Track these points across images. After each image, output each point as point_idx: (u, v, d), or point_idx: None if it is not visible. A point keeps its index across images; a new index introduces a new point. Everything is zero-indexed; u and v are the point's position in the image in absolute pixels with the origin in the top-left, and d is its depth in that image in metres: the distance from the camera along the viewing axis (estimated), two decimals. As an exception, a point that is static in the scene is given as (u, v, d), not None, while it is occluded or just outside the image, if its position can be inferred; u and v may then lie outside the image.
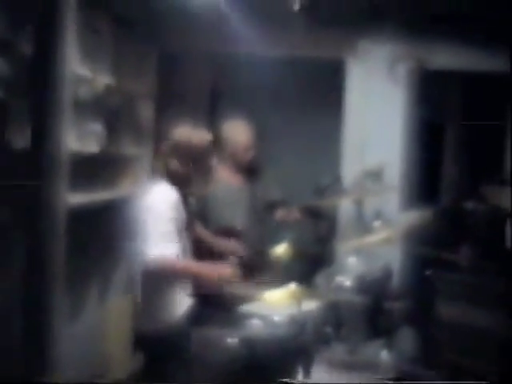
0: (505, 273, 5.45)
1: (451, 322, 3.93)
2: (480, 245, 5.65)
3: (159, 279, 4.89)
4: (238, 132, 6.22)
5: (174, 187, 5.02)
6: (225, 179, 6.10)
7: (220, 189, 5.97)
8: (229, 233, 5.89)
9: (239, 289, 5.34)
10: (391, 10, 6.29)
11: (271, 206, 6.37)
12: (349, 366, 4.60)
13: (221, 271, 5.00)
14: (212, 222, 5.88)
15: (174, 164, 5.09)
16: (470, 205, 5.68)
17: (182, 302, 4.99)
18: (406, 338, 5.19)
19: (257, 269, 5.73)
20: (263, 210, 6.33)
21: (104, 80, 5.51)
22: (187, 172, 5.11)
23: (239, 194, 6.23)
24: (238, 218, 6.08)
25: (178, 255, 4.84)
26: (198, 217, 5.64)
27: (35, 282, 3.99)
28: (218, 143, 5.95)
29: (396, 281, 6.16)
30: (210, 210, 5.94)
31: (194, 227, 5.45)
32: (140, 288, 5.04)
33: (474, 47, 6.81)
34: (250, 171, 6.33)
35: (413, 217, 5.87)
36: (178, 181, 5.06)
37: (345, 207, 6.70)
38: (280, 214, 6.30)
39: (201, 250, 5.39)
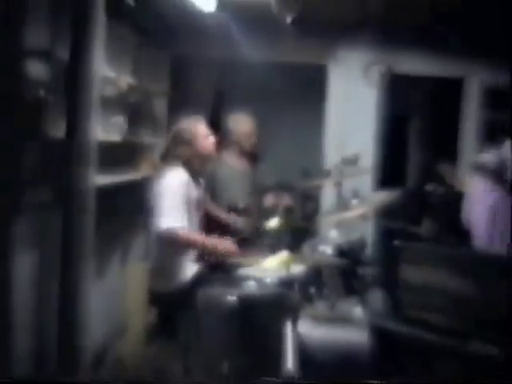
0: (459, 241, 5.51)
1: (414, 283, 3.96)
2: (439, 219, 5.68)
3: (170, 247, 4.96)
4: (240, 123, 6.24)
5: (184, 169, 5.12)
6: (231, 163, 6.20)
7: (226, 171, 6.11)
8: (232, 208, 5.95)
9: (239, 256, 5.43)
10: (366, 24, 6.32)
11: (266, 190, 6.42)
12: (329, 320, 4.66)
13: (225, 246, 5.04)
14: (219, 199, 5.93)
15: (181, 149, 5.21)
16: (430, 186, 5.71)
17: (189, 267, 5.05)
18: (377, 297, 5.24)
19: (254, 239, 5.80)
20: (260, 192, 6.37)
21: (126, 80, 5.52)
22: (194, 154, 5.21)
23: (242, 177, 6.26)
24: (240, 196, 6.11)
25: (187, 227, 4.90)
26: (207, 194, 5.72)
27: (70, 251, 4.02)
28: (224, 133, 6.03)
29: (369, 249, 6.21)
30: (218, 189, 5.99)
31: (204, 202, 5.51)
32: (155, 254, 5.14)
33: (433, 56, 6.88)
34: (252, 156, 6.39)
35: (384, 196, 5.87)
36: (187, 163, 5.16)
37: (327, 189, 6.73)
38: (272, 198, 6.33)
39: (209, 222, 5.45)
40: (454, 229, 5.53)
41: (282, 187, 6.42)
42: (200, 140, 5.18)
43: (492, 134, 6.20)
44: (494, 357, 3.54)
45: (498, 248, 5.00)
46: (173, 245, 4.94)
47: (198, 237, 5.07)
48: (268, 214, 5.90)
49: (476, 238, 5.18)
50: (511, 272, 3.74)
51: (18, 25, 3.88)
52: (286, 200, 6.21)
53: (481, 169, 4.81)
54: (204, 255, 5.25)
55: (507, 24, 5.64)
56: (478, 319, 3.70)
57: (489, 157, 5.14)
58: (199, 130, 5.20)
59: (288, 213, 6.05)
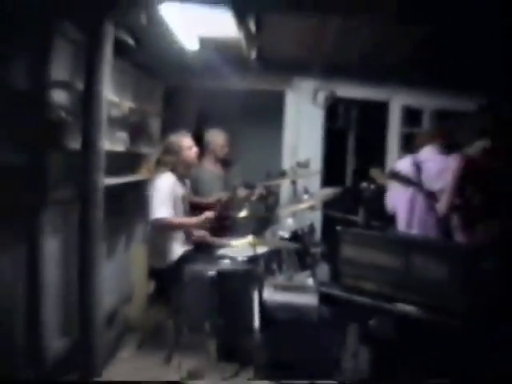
0: (384, 226, 5.54)
1: (351, 259, 3.93)
2: (370, 209, 5.69)
3: (163, 233, 5.03)
4: (216, 136, 6.20)
5: (172, 174, 5.15)
6: (209, 168, 6.16)
7: (206, 174, 6.07)
8: (248, 186, 6.03)
9: (216, 239, 5.47)
10: (314, 60, 6.31)
11: (236, 187, 6.41)
12: (286, 288, 4.68)
13: (198, 220, 5.10)
14: (200, 194, 5.88)
15: (170, 158, 5.22)
16: (363, 184, 5.69)
17: (178, 249, 5.07)
18: (323, 270, 5.27)
19: (227, 226, 5.85)
20: (232, 189, 6.37)
21: (128, 104, 5.49)
22: (180, 162, 5.21)
23: (218, 178, 6.22)
24: (216, 192, 6.03)
25: (173, 216, 4.95)
26: (192, 191, 5.72)
27: (86, 236, 4.03)
28: (204, 144, 6.06)
29: (317, 233, 6.25)
30: (199, 188, 5.93)
31: (189, 197, 5.52)
32: (151, 238, 5.16)
33: (364, 83, 6.84)
34: (225, 162, 6.35)
35: (328, 192, 5.83)
36: (174, 169, 5.17)
37: (285, 186, 6.72)
38: (242, 192, 6.33)
39: (193, 211, 5.46)
40: (381, 216, 5.54)
41: (248, 185, 6.44)
42: (185, 151, 5.21)
43: (409, 144, 6.25)
44: (415, 314, 3.55)
45: (416, 230, 5.02)
46: (164, 230, 5.01)
47: (180, 220, 5.11)
48: (240, 204, 5.94)
49: (398, 223, 5.20)
50: (426, 248, 3.78)
51: (47, 63, 3.90)
52: (260, 189, 6.16)
53: (395, 176, 4.82)
54: (190, 239, 5.31)
55: (420, 61, 5.75)
56: (400, 286, 3.69)
57: (406, 161, 5.16)
58: (185, 143, 5.22)
59: (261, 199, 6.11)
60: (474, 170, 4.20)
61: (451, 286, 3.49)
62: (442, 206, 4.34)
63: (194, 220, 5.19)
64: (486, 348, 3.67)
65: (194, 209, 5.51)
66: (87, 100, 3.99)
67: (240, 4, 3.92)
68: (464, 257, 3.68)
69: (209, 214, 5.12)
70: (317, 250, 5.26)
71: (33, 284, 3.82)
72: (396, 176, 4.68)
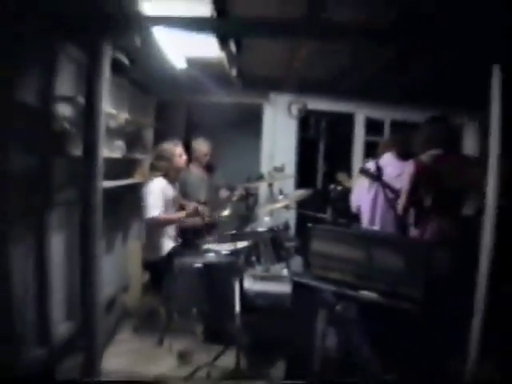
0: (349, 223, 5.56)
1: (321, 252, 3.93)
2: (337, 208, 5.70)
3: (155, 230, 5.04)
4: (201, 145, 6.24)
5: (163, 178, 5.17)
6: (195, 172, 6.18)
7: (193, 178, 6.09)
8: (197, 202, 5.96)
9: (202, 235, 5.48)
10: (288, 77, 6.31)
11: (219, 188, 6.43)
12: (264, 278, 4.71)
13: (187, 211, 5.16)
14: (188, 196, 5.87)
15: (162, 164, 5.23)
16: (331, 186, 5.69)
17: (168, 244, 5.10)
18: (297, 261, 5.21)
19: (212, 224, 5.82)
20: (215, 190, 6.39)
21: (124, 116, 5.48)
22: (170, 168, 5.23)
23: (203, 181, 6.24)
24: (201, 194, 6.08)
25: (163, 215, 4.95)
26: (180, 193, 5.72)
27: (87, 233, 4.02)
28: (191, 152, 6.08)
29: (291, 229, 6.11)
30: (187, 190, 5.94)
31: (178, 199, 5.51)
32: (145, 235, 5.17)
33: (333, 98, 6.92)
34: (208, 167, 6.37)
35: (300, 193, 5.82)
36: (165, 174, 5.19)
37: (263, 188, 6.72)
38: (224, 193, 6.34)
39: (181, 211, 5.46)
40: (347, 214, 5.56)
41: (231, 187, 6.44)
42: (176, 158, 5.23)
43: (372, 151, 6.29)
44: (376, 300, 3.56)
45: (377, 227, 5.04)
46: (156, 227, 5.01)
47: (169, 216, 5.10)
48: (223, 204, 5.94)
49: (362, 220, 5.23)
50: (385, 242, 3.81)
51: (53, 80, 3.92)
52: (240, 191, 6.16)
53: (364, 172, 4.85)
54: (179, 236, 5.33)
55: (382, 79, 5.80)
56: (363, 275, 3.66)
57: (369, 165, 5.17)
58: (176, 151, 5.23)
59: (242, 199, 6.10)
60: (427, 174, 4.22)
61: (407, 276, 3.52)
62: (399, 205, 4.37)
63: (181, 213, 5.20)
64: (438, 328, 3.76)
65: (182, 210, 5.54)
66: (88, 112, 3.91)
67: (222, 29, 3.94)
68: (418, 250, 3.69)
69: (194, 205, 5.19)
70: (291, 245, 5.23)
71: (41, 274, 3.82)
72: (366, 172, 4.72)
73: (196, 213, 5.21)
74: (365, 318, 3.63)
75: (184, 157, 5.36)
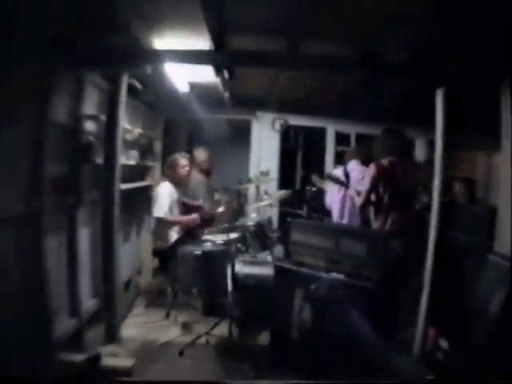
0: (322, 218, 5.58)
1: (298, 241, 3.93)
2: (311, 206, 5.72)
3: (162, 226, 5.06)
4: (200, 154, 6.22)
5: (170, 183, 5.21)
6: (196, 176, 6.13)
7: (193, 180, 6.03)
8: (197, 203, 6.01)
9: (202, 230, 5.53)
10: (272, 97, 6.30)
11: (215, 189, 6.39)
12: (251, 263, 4.66)
13: (190, 219, 5.20)
14: (189, 196, 5.86)
15: (169, 171, 5.28)
16: (308, 188, 5.67)
17: (173, 235, 5.12)
18: (279, 249, 5.26)
19: (209, 220, 5.79)
20: (212, 191, 6.35)
21: (138, 131, 5.45)
22: (176, 175, 5.28)
23: (202, 183, 6.20)
24: (201, 196, 6.08)
25: (170, 215, 5.01)
26: (184, 196, 5.70)
27: (108, 227, 4.01)
28: (192, 159, 6.08)
29: (275, 223, 6.24)
30: (189, 193, 5.91)
31: (182, 200, 5.52)
32: (154, 229, 5.17)
33: (309, 115, 6.89)
34: (206, 172, 6.33)
35: (282, 193, 5.94)
36: (172, 180, 5.24)
37: (251, 189, 6.68)
38: (218, 195, 6.27)
39: (185, 210, 5.50)
40: (320, 211, 5.59)
41: (225, 189, 6.48)
42: (179, 168, 5.26)
43: (340, 158, 6.20)
44: (345, 281, 3.65)
45: (345, 221, 5.06)
46: (163, 224, 5.04)
47: (176, 217, 5.17)
48: (217, 205, 5.92)
49: (333, 215, 5.25)
50: (351, 233, 3.82)
51: (81, 102, 3.94)
52: (226, 197, 6.17)
53: (328, 177, 4.84)
54: (182, 230, 5.29)
55: (348, 99, 5.85)
56: (333, 260, 3.74)
57: (337, 171, 5.17)
58: (181, 162, 5.27)
59: (228, 204, 6.08)
60: (385, 175, 4.24)
61: (368, 260, 3.62)
62: (359, 200, 4.34)
63: (185, 218, 5.24)
64: (394, 302, 3.88)
65: (185, 207, 5.58)
66: (108, 128, 4.00)
67: (217, 60, 4.02)
68: (377, 239, 3.83)
69: (196, 216, 5.23)
70: (274, 236, 5.24)
71: (72, 259, 3.85)
72: (331, 178, 4.75)
73: (194, 222, 5.27)
74: (334, 295, 3.66)
75: (187, 168, 5.37)
